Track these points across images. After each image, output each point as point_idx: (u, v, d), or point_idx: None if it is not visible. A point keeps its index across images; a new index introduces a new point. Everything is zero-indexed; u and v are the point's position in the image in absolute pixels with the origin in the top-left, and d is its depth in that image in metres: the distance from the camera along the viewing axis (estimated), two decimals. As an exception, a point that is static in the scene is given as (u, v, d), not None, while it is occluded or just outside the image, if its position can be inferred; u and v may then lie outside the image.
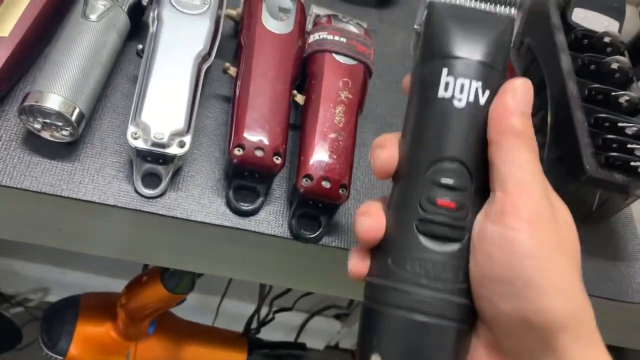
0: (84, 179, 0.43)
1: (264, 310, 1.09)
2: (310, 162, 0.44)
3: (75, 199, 0.42)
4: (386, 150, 0.31)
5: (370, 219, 0.30)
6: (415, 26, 0.33)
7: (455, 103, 0.29)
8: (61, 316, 0.70)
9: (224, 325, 1.21)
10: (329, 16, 0.54)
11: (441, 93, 0.30)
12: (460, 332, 0.28)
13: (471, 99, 0.29)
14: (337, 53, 0.50)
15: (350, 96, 0.49)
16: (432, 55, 0.31)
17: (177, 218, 0.44)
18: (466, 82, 0.29)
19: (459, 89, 0.29)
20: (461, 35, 0.30)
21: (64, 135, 0.43)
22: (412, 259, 0.29)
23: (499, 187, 0.28)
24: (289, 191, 0.48)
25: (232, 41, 0.55)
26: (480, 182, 0.29)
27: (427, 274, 0.28)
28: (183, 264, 0.53)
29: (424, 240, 0.29)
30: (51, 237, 0.49)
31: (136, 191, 0.44)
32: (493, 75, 0.30)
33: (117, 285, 1.23)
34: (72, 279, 1.30)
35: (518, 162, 0.28)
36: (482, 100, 0.29)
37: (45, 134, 0.43)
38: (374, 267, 0.31)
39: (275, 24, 0.50)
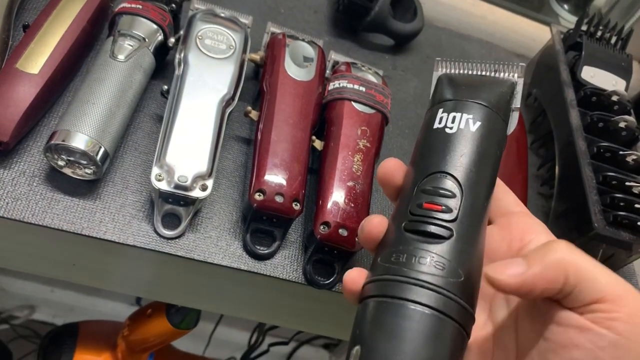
0: (105, 217, 0.44)
1: (257, 339, 1.09)
2: (328, 210, 0.45)
3: (95, 237, 0.43)
4: (376, 216, 0.33)
5: (374, 216, 0.33)
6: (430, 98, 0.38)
7: (447, 130, 0.33)
8: (59, 344, 0.69)
9: (215, 352, 1.20)
10: (348, 64, 0.55)
11: (436, 125, 0.34)
12: (437, 320, 0.29)
13: (462, 126, 0.33)
14: (356, 101, 0.51)
15: (368, 144, 0.50)
16: (432, 104, 0.36)
17: (195, 260, 0.44)
18: (457, 114, 0.34)
19: (451, 120, 0.34)
20: (459, 87, 0.35)
21: (87, 173, 0.44)
22: (396, 251, 0.30)
23: (598, 299, 0.28)
24: (305, 236, 0.48)
25: (252, 83, 0.56)
26: (472, 193, 0.32)
27: (408, 264, 0.30)
28: (195, 303, 0.53)
29: (408, 235, 0.31)
30: (65, 271, 0.49)
31: (155, 231, 0.44)
32: (486, 113, 0.34)
33: (105, 305, 1.22)
34: (60, 297, 1.28)
35: (599, 268, 0.29)
36: (473, 128, 0.33)
37: (68, 171, 0.44)
38: (368, 273, 0.32)
39: (297, 70, 0.51)
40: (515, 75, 0.36)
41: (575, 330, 0.29)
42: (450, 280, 0.29)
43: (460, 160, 0.32)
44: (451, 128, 0.33)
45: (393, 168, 0.34)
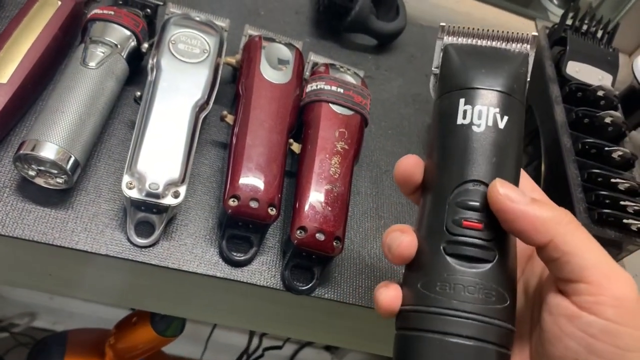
0: (77, 227, 0.43)
1: (254, 343, 1.08)
2: (305, 214, 0.44)
3: (67, 247, 0.42)
4: (406, 236, 0.31)
5: (404, 235, 0.31)
6: (432, 68, 0.34)
7: (474, 128, 0.30)
8: (48, 353, 0.69)
9: (213, 355, 1.19)
10: (326, 65, 0.54)
11: (460, 120, 0.31)
12: (497, 354, 0.28)
13: (490, 123, 0.30)
14: (333, 103, 0.51)
15: (346, 147, 0.49)
16: (450, 89, 0.32)
17: (169, 268, 0.44)
18: (484, 108, 0.31)
19: (477, 116, 0.30)
20: (476, 68, 0.32)
21: (58, 182, 0.43)
22: (441, 280, 0.29)
23: (583, 277, 0.28)
24: (283, 242, 0.48)
25: (230, 87, 0.55)
26: None
27: (457, 296, 0.28)
28: (174, 311, 0.53)
29: (452, 261, 0.29)
30: (41, 282, 0.48)
31: (129, 240, 0.44)
32: (510, 102, 0.31)
33: (104, 312, 1.22)
34: (60, 304, 1.28)
35: (591, 247, 0.28)
36: (501, 124, 0.30)
37: (40, 181, 0.43)
38: (405, 295, 0.31)
39: (273, 73, 0.50)
40: (528, 46, 0.33)
41: (564, 319, 0.28)
42: (498, 307, 0.28)
43: (493, 166, 0.30)
44: (479, 126, 0.30)
45: (412, 166, 0.32)
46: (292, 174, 0.50)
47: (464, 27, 0.34)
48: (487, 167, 0.30)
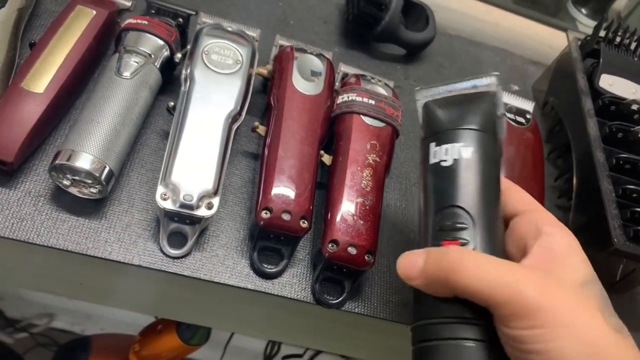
0: (110, 237, 0.43)
1: (272, 349, 1.08)
2: (337, 227, 0.44)
3: (100, 257, 0.42)
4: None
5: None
6: (420, 121, 0.41)
7: (443, 163, 0.36)
8: (72, 357, 0.69)
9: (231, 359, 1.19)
10: (357, 76, 0.54)
11: (432, 160, 0.37)
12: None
13: (456, 156, 0.36)
14: (365, 115, 0.50)
15: (377, 159, 0.48)
16: (426, 137, 0.39)
17: (201, 280, 0.44)
18: (449, 146, 0.36)
19: (444, 153, 0.37)
20: (444, 115, 0.38)
21: (92, 192, 0.43)
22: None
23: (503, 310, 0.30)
24: (313, 254, 0.47)
25: (260, 97, 0.55)
26: (482, 217, 0.34)
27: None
28: (201, 320, 0.52)
29: None
30: (72, 290, 0.49)
31: (162, 251, 0.44)
32: (473, 135, 0.36)
33: (123, 315, 1.22)
34: (79, 305, 1.29)
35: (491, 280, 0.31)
36: (467, 154, 0.36)
37: (74, 190, 0.43)
38: (416, 311, 0.35)
39: (305, 85, 0.50)
40: (493, 84, 0.38)
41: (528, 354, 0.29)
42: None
43: (463, 190, 0.35)
44: (446, 160, 0.36)
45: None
46: (322, 186, 0.50)
47: (436, 84, 0.40)
48: (457, 191, 0.35)
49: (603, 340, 0.29)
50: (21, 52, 0.49)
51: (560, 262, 0.33)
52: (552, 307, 0.29)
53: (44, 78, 0.44)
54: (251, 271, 0.46)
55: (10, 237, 0.41)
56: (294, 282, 0.46)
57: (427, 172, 0.37)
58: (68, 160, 0.41)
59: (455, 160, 0.36)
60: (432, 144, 0.37)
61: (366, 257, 0.44)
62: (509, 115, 0.58)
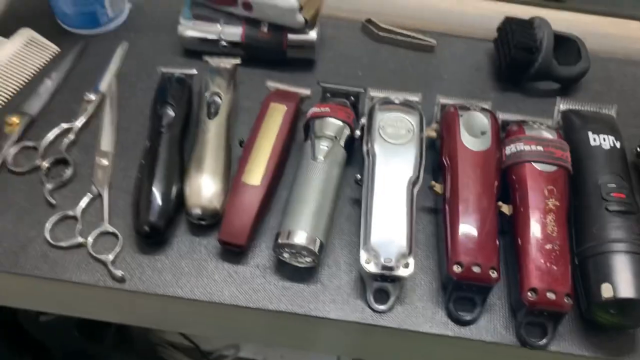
0: (326, 298, 0.51)
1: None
2: (534, 276, 0.47)
3: (322, 317, 0.50)
4: None
5: None
6: None
7: (603, 146, 0.56)
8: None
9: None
10: (519, 124, 0.57)
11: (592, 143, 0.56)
12: None
13: (608, 146, 0.55)
14: (536, 162, 0.53)
15: (557, 203, 0.51)
16: None
17: (408, 330, 0.50)
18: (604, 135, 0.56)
19: (601, 139, 0.56)
20: None
21: (307, 261, 0.52)
22: None
23: None
24: (512, 301, 0.51)
25: (430, 153, 0.60)
26: None
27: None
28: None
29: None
30: (279, 339, 0.57)
31: (370, 307, 0.51)
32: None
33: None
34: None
35: None
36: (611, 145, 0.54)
37: (292, 262, 0.52)
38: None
39: (474, 142, 0.55)
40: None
41: None
42: None
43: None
44: (603, 146, 0.56)
45: None
46: (504, 233, 0.53)
47: None
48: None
49: None
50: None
51: None
52: None
53: (258, 172, 0.54)
54: (449, 320, 0.51)
55: (248, 306, 0.51)
56: (489, 328, 0.50)
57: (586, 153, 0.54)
58: (288, 239, 0.50)
59: (611, 147, 0.55)
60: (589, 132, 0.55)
61: (565, 300, 0.47)
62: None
